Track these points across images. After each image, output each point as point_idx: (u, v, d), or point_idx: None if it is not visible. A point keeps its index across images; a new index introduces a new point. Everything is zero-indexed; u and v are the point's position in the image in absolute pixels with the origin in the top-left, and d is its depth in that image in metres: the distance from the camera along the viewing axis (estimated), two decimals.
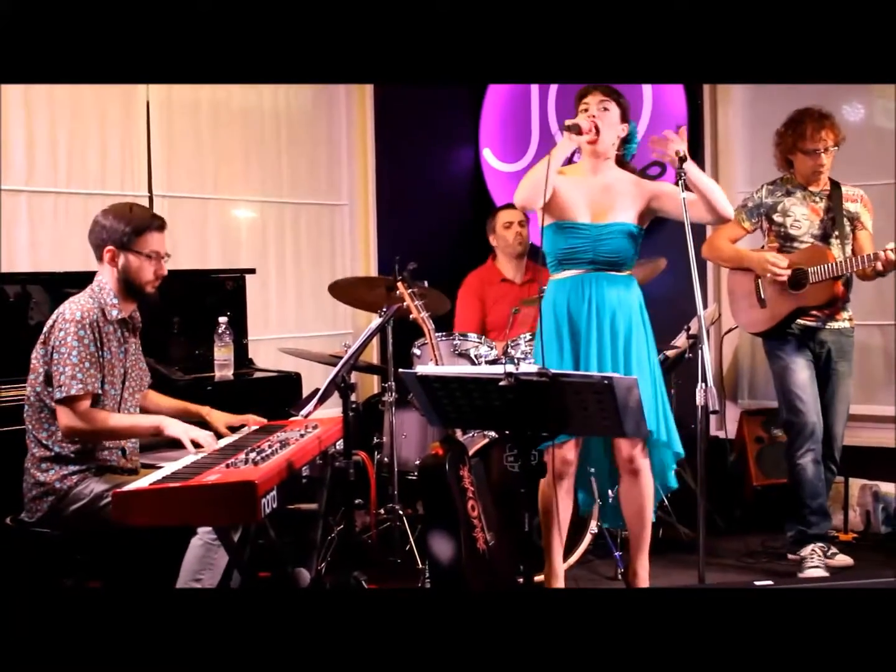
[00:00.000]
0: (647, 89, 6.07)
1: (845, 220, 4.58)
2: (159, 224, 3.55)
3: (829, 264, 4.44)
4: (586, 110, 3.90)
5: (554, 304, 3.95)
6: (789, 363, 4.61)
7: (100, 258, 3.52)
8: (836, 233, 4.56)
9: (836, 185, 4.61)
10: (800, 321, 4.59)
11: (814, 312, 4.56)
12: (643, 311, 3.99)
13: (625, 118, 3.98)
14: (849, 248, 4.55)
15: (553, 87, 6.45)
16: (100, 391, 3.40)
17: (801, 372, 4.59)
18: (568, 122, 3.80)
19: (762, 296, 4.64)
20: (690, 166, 3.69)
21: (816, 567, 4.53)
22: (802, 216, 4.59)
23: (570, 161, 4.07)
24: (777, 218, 4.62)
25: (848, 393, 4.70)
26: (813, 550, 4.57)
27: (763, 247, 4.75)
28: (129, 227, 3.47)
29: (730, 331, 5.62)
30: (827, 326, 4.60)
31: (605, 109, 3.90)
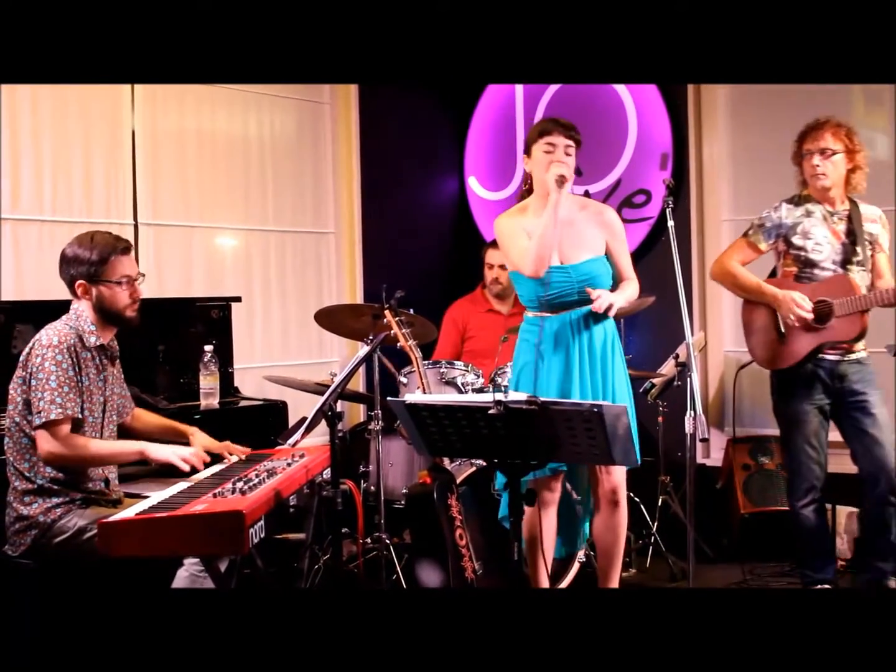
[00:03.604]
0: (632, 120, 6.10)
1: (866, 242, 4.31)
2: (124, 247, 3.50)
3: (856, 298, 4.18)
4: (551, 151, 3.93)
5: (541, 343, 3.90)
6: (799, 411, 4.33)
7: (73, 293, 3.49)
8: (859, 258, 4.29)
9: (854, 205, 4.36)
10: (813, 362, 4.31)
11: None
12: (617, 339, 4.04)
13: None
14: (869, 274, 4.32)
15: (538, 114, 6.47)
16: (80, 415, 3.36)
17: (811, 422, 4.32)
18: (558, 178, 3.83)
19: (782, 330, 4.33)
20: (623, 299, 3.90)
21: None
22: (824, 239, 4.30)
23: (522, 196, 4.11)
24: (797, 241, 4.32)
25: (888, 422, 4.32)
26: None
27: (774, 269, 4.50)
28: (94, 255, 3.44)
29: (744, 366, 5.28)
30: (846, 358, 4.30)
31: (569, 155, 3.94)
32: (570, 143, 3.94)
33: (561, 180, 3.83)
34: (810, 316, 4.23)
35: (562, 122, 3.97)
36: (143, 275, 3.57)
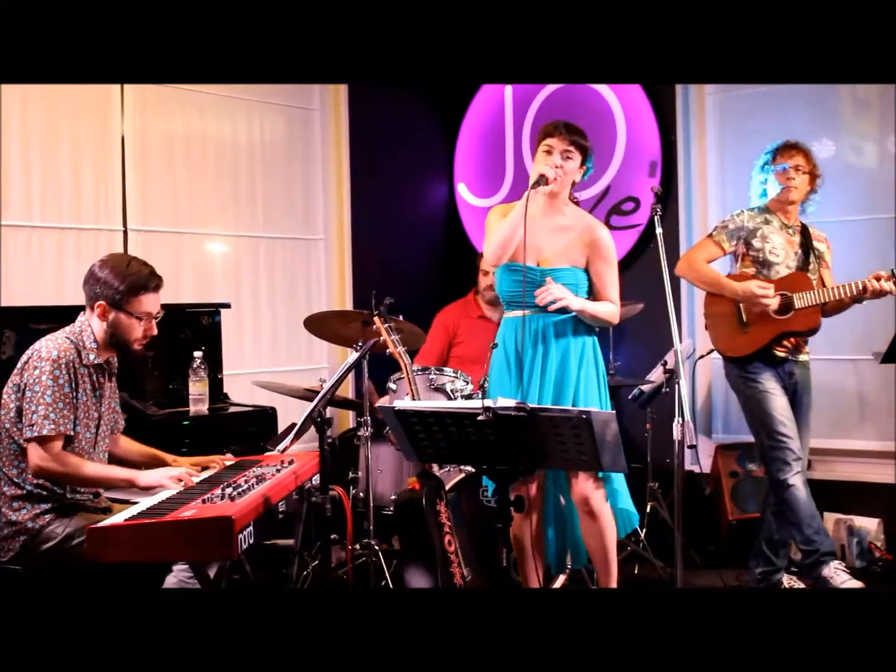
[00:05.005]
0: (620, 127, 6.12)
1: (814, 256, 4.63)
2: (156, 285, 3.51)
3: (817, 291, 4.46)
4: (549, 152, 3.91)
5: (503, 342, 4.02)
6: (768, 389, 4.54)
7: (91, 308, 3.47)
8: (811, 266, 4.60)
9: (804, 225, 4.68)
10: (772, 352, 4.56)
11: (785, 343, 4.55)
12: (596, 353, 4.01)
13: (584, 161, 3.98)
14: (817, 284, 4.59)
15: (528, 121, 6.51)
16: (72, 433, 3.35)
17: (780, 398, 4.54)
18: (535, 178, 3.83)
19: (744, 319, 4.57)
20: (580, 305, 3.87)
21: (849, 580, 4.42)
22: (780, 245, 4.59)
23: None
24: (756, 243, 4.60)
25: (811, 425, 4.71)
26: (836, 569, 4.46)
27: (730, 273, 4.70)
28: (125, 286, 3.42)
29: (702, 357, 5.58)
30: (795, 359, 4.61)
31: (569, 158, 3.91)
32: (570, 148, 3.89)
33: (539, 179, 3.82)
34: (775, 302, 4.48)
35: (564, 126, 3.93)
36: (162, 313, 3.57)
